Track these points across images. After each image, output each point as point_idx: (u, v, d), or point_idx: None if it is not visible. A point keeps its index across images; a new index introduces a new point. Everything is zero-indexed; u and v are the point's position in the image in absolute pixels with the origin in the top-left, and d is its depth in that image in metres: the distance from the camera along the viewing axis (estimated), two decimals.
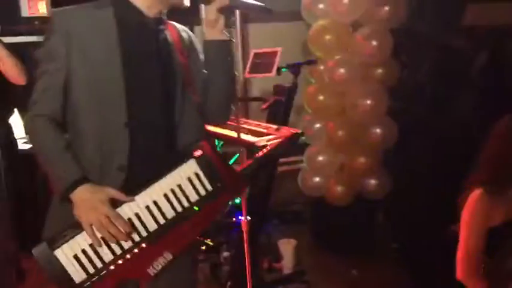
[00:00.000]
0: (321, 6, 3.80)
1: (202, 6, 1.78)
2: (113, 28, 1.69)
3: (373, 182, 3.91)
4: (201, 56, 1.85)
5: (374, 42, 3.62)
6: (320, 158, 3.93)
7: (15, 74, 3.04)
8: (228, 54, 1.77)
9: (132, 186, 1.66)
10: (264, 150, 1.95)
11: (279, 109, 3.50)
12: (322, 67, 3.84)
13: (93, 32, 1.67)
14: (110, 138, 1.67)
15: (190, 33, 1.92)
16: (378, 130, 3.81)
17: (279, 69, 3.48)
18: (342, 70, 3.67)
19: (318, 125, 3.98)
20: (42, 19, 6.32)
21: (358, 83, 3.73)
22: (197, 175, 1.71)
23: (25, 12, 5.73)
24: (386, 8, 3.65)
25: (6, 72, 3.06)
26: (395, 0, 3.66)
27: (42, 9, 6.30)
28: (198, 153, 1.70)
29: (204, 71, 1.82)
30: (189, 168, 1.70)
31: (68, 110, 1.70)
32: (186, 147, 1.75)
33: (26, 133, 1.74)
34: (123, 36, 1.69)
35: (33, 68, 1.77)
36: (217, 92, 1.82)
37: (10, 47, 3.15)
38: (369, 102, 3.70)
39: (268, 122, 3.46)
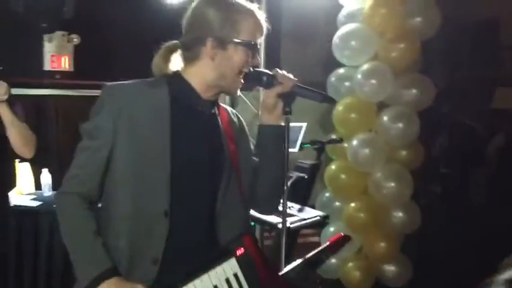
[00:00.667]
0: (347, 83, 3.76)
1: (261, 88, 1.71)
2: (166, 109, 1.61)
3: (392, 268, 3.74)
4: (251, 143, 1.76)
5: (400, 124, 3.55)
6: None
7: (19, 143, 2.64)
8: (283, 141, 1.69)
9: (165, 282, 1.53)
10: (313, 252, 1.79)
11: (301, 187, 3.39)
12: (345, 145, 3.75)
13: (145, 112, 1.58)
14: (146, 227, 1.55)
15: (240, 117, 1.83)
16: (401, 214, 3.67)
17: (301, 145, 3.40)
18: (366, 150, 3.58)
19: (337, 204, 3.85)
20: (64, 73, 6.39)
21: (382, 164, 3.63)
22: (236, 277, 1.56)
23: (48, 66, 5.80)
24: (414, 91, 3.61)
25: (12, 141, 2.65)
26: (424, 82, 3.62)
27: (65, 64, 6.38)
28: (240, 251, 1.56)
29: (254, 158, 1.73)
30: (229, 268, 1.55)
31: (104, 191, 1.60)
32: (227, 240, 1.62)
33: (56, 208, 1.63)
34: (176, 119, 1.60)
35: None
36: (267, 180, 1.72)
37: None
38: (393, 184, 3.58)
39: (289, 199, 3.34)
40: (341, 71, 3.79)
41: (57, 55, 6.17)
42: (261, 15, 1.66)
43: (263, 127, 1.72)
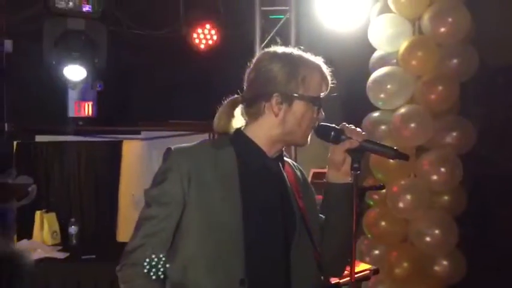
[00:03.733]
0: (383, 127, 3.70)
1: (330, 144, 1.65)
2: (234, 171, 1.58)
3: None
4: (316, 198, 1.71)
5: (442, 169, 3.46)
6: None
7: None
8: (351, 200, 1.61)
9: None
10: None
11: None
12: (384, 190, 3.66)
13: (214, 175, 1.56)
14: None
15: (302, 170, 1.80)
16: (445, 263, 3.54)
17: None
18: (407, 196, 3.48)
19: (377, 252, 3.73)
20: (86, 119, 6.44)
21: (423, 210, 3.53)
22: None
23: (72, 112, 5.87)
24: (454, 134, 3.54)
25: None
26: (463, 125, 3.55)
27: (88, 110, 6.44)
28: None
29: (321, 215, 1.66)
30: None
31: (172, 263, 1.52)
32: None
33: (119, 281, 1.56)
34: (245, 183, 1.58)
35: None
36: (335, 241, 1.66)
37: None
38: (436, 231, 3.47)
39: None
40: (376, 114, 3.74)
41: (80, 101, 6.23)
42: (326, 69, 1.63)
43: (331, 185, 1.67)
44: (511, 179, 3.71)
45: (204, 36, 4.43)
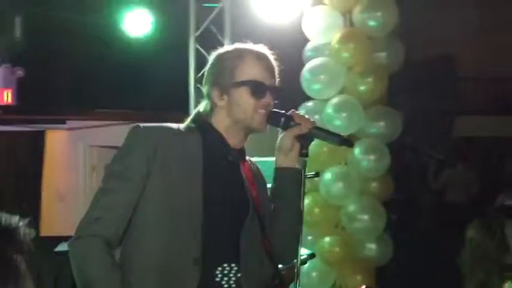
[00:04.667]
0: (316, 117, 3.83)
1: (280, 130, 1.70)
2: (199, 155, 1.63)
3: None
4: (268, 190, 1.76)
5: (372, 157, 3.65)
6: (313, 274, 3.78)
7: None
8: (299, 184, 1.67)
9: None
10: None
11: None
12: (317, 179, 3.80)
13: (180, 157, 1.60)
14: (175, 276, 1.54)
15: (257, 164, 1.84)
16: (374, 246, 3.75)
17: None
18: (339, 183, 3.64)
19: (310, 238, 3.87)
20: (6, 107, 6.13)
21: (354, 196, 3.71)
22: None
23: None
24: (382, 123, 3.73)
25: None
26: (391, 115, 3.76)
27: (7, 98, 6.13)
28: None
29: (272, 205, 1.73)
30: None
31: (127, 238, 1.56)
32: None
33: (71, 256, 1.54)
34: (208, 166, 1.63)
35: None
36: (284, 226, 1.70)
37: None
38: (366, 217, 3.66)
39: None
40: (309, 104, 3.87)
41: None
42: (262, 54, 1.69)
43: (280, 170, 1.72)
44: (433, 166, 3.98)
45: (136, 22, 4.35)
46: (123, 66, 5.04)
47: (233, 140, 1.68)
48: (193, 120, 1.71)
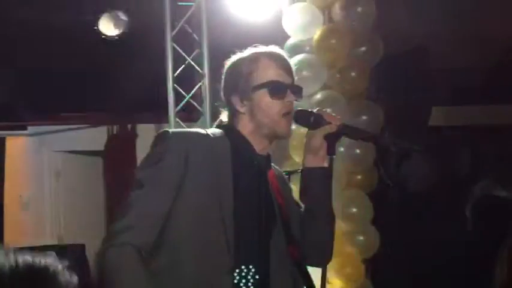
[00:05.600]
0: None
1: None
2: (228, 160, 1.64)
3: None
4: (295, 197, 1.79)
5: (357, 150, 3.74)
6: None
7: None
8: (329, 184, 1.70)
9: None
10: None
11: None
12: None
13: (210, 161, 1.61)
14: (208, 285, 1.54)
15: (281, 170, 1.88)
16: (361, 238, 3.85)
17: None
18: None
19: None
20: None
21: (340, 189, 3.79)
22: None
23: None
24: (365, 118, 3.83)
25: None
26: (373, 109, 3.87)
27: None
28: None
29: (301, 209, 1.73)
30: None
31: (159, 248, 1.55)
32: None
33: (101, 265, 1.50)
34: (238, 172, 1.64)
35: None
36: (316, 229, 1.72)
37: None
38: (353, 209, 3.75)
39: None
40: None
41: None
42: (276, 54, 1.72)
43: (309, 170, 1.72)
44: (414, 158, 4.12)
45: (110, 23, 4.26)
46: (94, 68, 4.93)
47: (258, 146, 1.70)
48: (220, 126, 1.74)
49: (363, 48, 3.82)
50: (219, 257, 1.55)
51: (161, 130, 1.67)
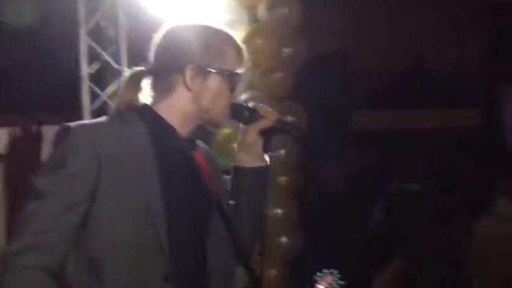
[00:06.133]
0: None
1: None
2: (149, 150, 1.44)
3: None
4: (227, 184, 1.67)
5: (282, 151, 3.75)
6: None
7: None
8: (264, 183, 1.60)
9: None
10: None
11: None
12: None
13: (126, 155, 1.40)
14: None
15: (212, 153, 1.73)
16: (285, 239, 3.86)
17: None
18: None
19: None
20: None
21: None
22: None
23: None
24: (289, 119, 3.85)
25: None
26: (297, 110, 3.91)
27: None
28: None
29: (230, 201, 1.64)
30: None
31: (79, 262, 1.37)
32: None
33: None
34: (163, 163, 1.45)
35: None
36: (248, 227, 1.61)
37: None
38: (278, 211, 3.75)
39: None
40: None
41: None
42: (240, 45, 1.63)
43: (243, 170, 1.60)
44: (339, 160, 4.22)
45: (17, 14, 3.94)
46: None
47: (183, 129, 1.53)
48: (130, 108, 1.50)
49: (288, 49, 3.84)
50: (153, 263, 1.39)
51: (61, 125, 1.42)
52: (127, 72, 1.57)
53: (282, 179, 3.90)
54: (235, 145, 3.27)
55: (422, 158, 4.27)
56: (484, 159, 4.53)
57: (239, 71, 1.57)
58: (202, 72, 1.49)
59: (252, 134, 1.58)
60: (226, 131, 3.84)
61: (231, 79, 1.54)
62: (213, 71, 1.50)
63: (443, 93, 5.37)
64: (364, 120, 4.50)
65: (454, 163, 4.44)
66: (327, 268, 3.99)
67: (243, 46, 1.60)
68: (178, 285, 1.42)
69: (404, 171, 4.07)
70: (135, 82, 1.53)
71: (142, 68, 1.55)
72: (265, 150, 1.61)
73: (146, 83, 1.56)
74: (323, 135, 4.18)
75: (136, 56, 1.74)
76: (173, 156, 1.49)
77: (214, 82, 1.52)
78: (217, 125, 1.62)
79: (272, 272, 3.83)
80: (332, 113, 4.32)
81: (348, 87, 4.47)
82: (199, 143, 1.66)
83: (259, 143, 1.59)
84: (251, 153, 1.60)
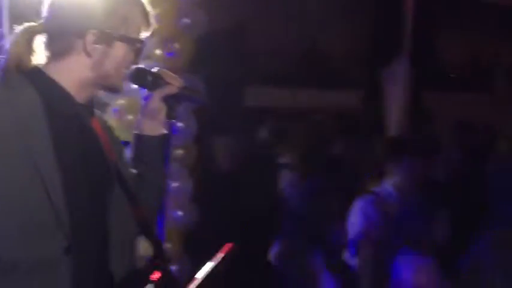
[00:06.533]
0: None
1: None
2: (41, 118, 1.36)
3: (174, 268, 3.88)
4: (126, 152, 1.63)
5: (179, 124, 3.72)
6: None
7: None
8: (166, 152, 1.62)
9: None
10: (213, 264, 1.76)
11: None
12: None
13: (13, 124, 1.30)
14: (43, 273, 1.31)
15: (108, 122, 1.67)
16: (180, 213, 3.86)
17: None
18: None
19: None
20: None
21: None
22: None
23: None
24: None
25: None
26: (196, 84, 3.87)
27: None
28: (156, 275, 1.46)
29: (133, 170, 1.60)
30: None
31: None
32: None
33: None
34: (57, 131, 1.37)
35: None
36: (151, 196, 1.61)
37: None
38: (174, 184, 3.73)
39: None
40: None
41: None
42: (148, 13, 1.60)
43: (147, 137, 1.59)
44: (232, 133, 4.27)
45: None
46: None
47: (81, 94, 1.48)
48: (19, 70, 1.39)
49: (187, 20, 3.78)
50: (51, 237, 1.33)
51: None
52: (17, 28, 1.46)
53: (179, 151, 3.87)
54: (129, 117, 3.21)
55: (305, 136, 4.46)
56: (366, 140, 4.84)
57: (144, 37, 1.54)
58: (105, 39, 1.43)
59: (156, 100, 1.56)
60: (122, 101, 3.72)
61: (135, 46, 1.51)
62: (118, 38, 1.45)
63: (330, 74, 5.66)
64: (257, 96, 4.59)
65: (335, 143, 4.70)
66: (223, 242, 4.06)
67: (149, 11, 1.57)
68: (78, 257, 1.36)
69: (290, 149, 4.23)
70: (26, 40, 1.42)
71: (35, 24, 1.45)
72: (169, 117, 1.60)
73: (39, 41, 1.46)
74: (218, 109, 4.21)
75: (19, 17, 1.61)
76: (67, 123, 1.42)
77: (117, 50, 1.47)
78: (116, 91, 1.56)
79: (168, 245, 3.81)
80: (227, 87, 4.36)
81: (243, 62, 4.53)
82: (97, 111, 1.60)
83: (163, 110, 1.58)
84: (154, 120, 1.58)
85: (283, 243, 3.89)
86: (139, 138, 1.60)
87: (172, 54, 3.71)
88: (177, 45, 3.71)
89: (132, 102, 3.49)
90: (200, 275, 1.55)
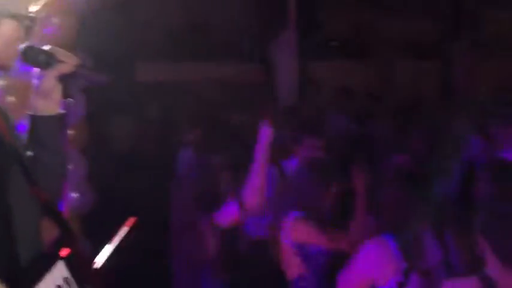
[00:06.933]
0: None
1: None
2: None
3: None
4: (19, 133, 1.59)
5: (71, 102, 3.61)
6: None
7: None
8: (61, 130, 1.58)
9: None
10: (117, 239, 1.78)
11: None
12: None
13: None
14: None
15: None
16: (75, 195, 3.78)
17: None
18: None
19: None
20: None
21: None
22: (67, 281, 1.48)
23: None
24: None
25: None
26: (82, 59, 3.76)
27: None
28: (65, 251, 1.47)
29: (28, 152, 1.57)
30: (58, 272, 1.45)
31: None
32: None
33: None
34: None
35: None
36: (46, 176, 1.57)
37: None
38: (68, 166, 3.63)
39: None
40: None
41: None
42: None
43: (37, 118, 1.56)
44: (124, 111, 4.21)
45: None
46: None
47: None
48: None
49: None
50: None
51: None
52: None
53: (70, 132, 3.75)
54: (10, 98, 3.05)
55: (197, 111, 4.50)
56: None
57: (35, 14, 1.51)
58: None
59: (50, 79, 1.53)
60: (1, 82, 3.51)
61: (25, 23, 1.47)
62: (5, 14, 1.41)
63: (222, 48, 5.70)
64: (146, 72, 4.54)
65: (232, 116, 4.79)
66: (119, 223, 4.05)
67: None
68: None
69: (182, 123, 4.26)
70: None
71: None
72: (64, 96, 1.58)
73: None
74: (108, 86, 4.13)
75: None
76: None
77: (5, 28, 1.44)
78: (5, 69, 1.53)
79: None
80: (116, 63, 4.27)
81: (130, 37, 4.44)
82: None
83: (58, 89, 1.56)
84: (48, 99, 1.56)
85: (177, 216, 3.96)
86: (34, 119, 1.56)
87: (52, 30, 3.55)
88: (58, 21, 3.55)
89: (12, 83, 3.32)
90: (108, 248, 1.58)
